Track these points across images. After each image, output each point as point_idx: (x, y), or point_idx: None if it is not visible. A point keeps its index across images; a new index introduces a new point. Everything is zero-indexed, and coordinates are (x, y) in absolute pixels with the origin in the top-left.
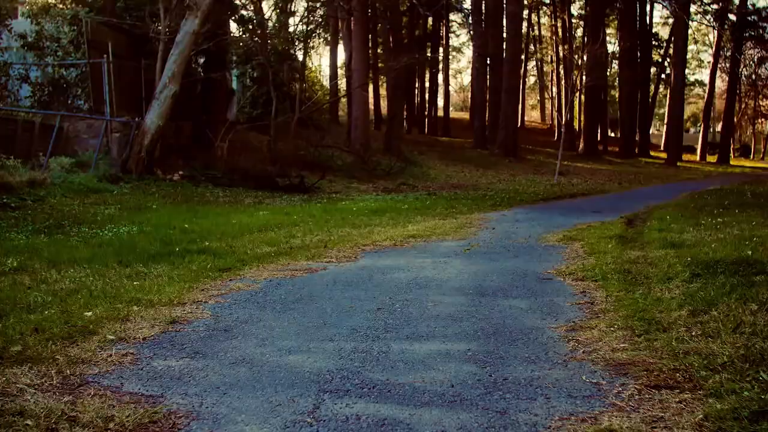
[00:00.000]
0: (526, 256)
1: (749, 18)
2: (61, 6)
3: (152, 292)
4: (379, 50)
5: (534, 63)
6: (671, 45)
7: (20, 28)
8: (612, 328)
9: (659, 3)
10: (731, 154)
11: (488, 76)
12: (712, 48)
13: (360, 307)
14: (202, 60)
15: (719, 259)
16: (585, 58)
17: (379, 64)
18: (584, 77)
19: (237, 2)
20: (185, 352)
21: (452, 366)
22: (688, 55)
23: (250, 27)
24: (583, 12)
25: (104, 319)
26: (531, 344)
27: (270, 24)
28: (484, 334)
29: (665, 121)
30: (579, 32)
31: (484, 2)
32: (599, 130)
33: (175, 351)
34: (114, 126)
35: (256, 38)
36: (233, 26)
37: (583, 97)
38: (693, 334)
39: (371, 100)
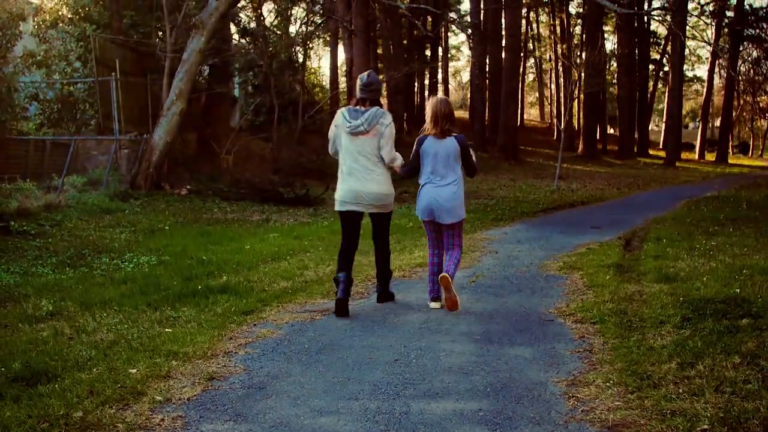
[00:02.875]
0: (528, 290)
1: (747, 19)
2: (68, 22)
3: (186, 343)
4: (379, 51)
5: (532, 61)
6: (669, 42)
7: (27, 45)
8: (608, 384)
9: (656, 19)
10: (729, 152)
11: (487, 79)
12: (710, 45)
13: (378, 358)
14: (206, 71)
15: (709, 298)
16: (583, 60)
17: (379, 65)
18: (582, 83)
19: (239, 10)
20: (228, 414)
21: (466, 428)
22: (686, 51)
23: (253, 37)
24: (581, 10)
25: (148, 377)
26: (535, 402)
27: (271, 31)
28: (493, 390)
29: (664, 117)
30: (577, 29)
31: (483, 4)
32: (598, 130)
33: (218, 413)
34: (123, 143)
35: (258, 45)
36: (234, 30)
37: (582, 95)
38: (680, 391)
39: None
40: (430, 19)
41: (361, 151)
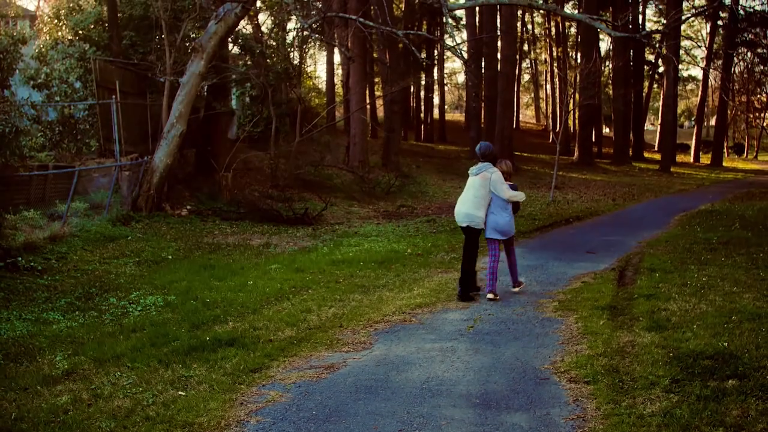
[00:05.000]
0: (525, 338)
1: (740, 25)
2: (68, 43)
3: (200, 411)
4: (375, 54)
5: (528, 63)
6: (664, 44)
7: (28, 70)
8: None
9: (650, 46)
10: (725, 153)
11: (483, 83)
12: (705, 44)
13: (383, 428)
14: (205, 88)
15: (699, 352)
16: (578, 63)
17: (375, 68)
18: (577, 93)
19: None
20: None
21: None
22: (681, 51)
23: (251, 54)
24: (576, 12)
25: None
26: None
27: (268, 42)
28: None
29: (659, 118)
30: (573, 30)
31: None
32: (594, 133)
33: None
34: (124, 165)
35: (255, 58)
36: (231, 45)
37: (577, 95)
38: None
39: (367, 103)
40: (425, 26)
41: (468, 187)
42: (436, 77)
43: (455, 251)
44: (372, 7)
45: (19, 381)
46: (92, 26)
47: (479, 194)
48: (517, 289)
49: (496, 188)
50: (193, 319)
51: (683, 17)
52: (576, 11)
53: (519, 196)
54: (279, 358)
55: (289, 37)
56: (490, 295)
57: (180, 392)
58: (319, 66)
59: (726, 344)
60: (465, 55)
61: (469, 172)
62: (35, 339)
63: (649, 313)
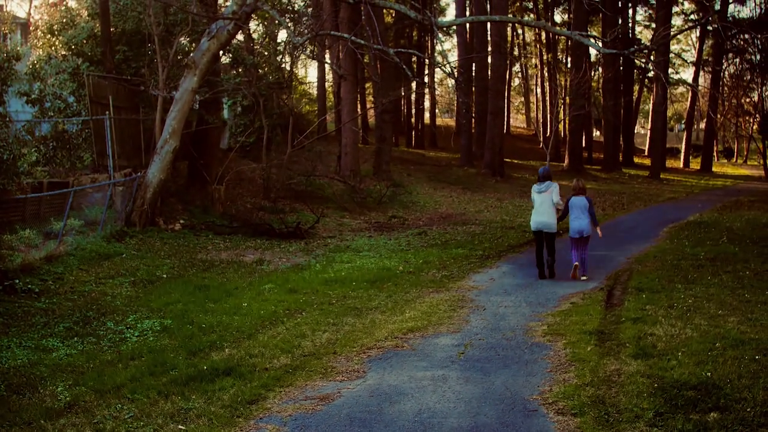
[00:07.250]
0: (515, 366)
1: (729, 32)
2: (61, 58)
3: None
4: (366, 59)
5: (518, 67)
6: (651, 58)
7: (21, 86)
8: None
9: (641, 62)
10: (714, 157)
11: (474, 89)
12: (695, 49)
13: None
14: (197, 101)
15: (683, 383)
16: (567, 68)
17: (366, 73)
18: (568, 102)
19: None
20: None
21: None
22: (671, 55)
23: (243, 65)
24: (566, 18)
25: None
26: None
27: (260, 50)
28: None
29: (649, 124)
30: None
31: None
32: (584, 138)
33: None
34: (118, 181)
35: (247, 69)
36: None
37: (567, 99)
38: None
39: (358, 113)
40: (415, 34)
41: (540, 202)
42: (426, 81)
43: (446, 268)
44: (364, 25)
45: (22, 415)
46: (85, 41)
47: (550, 205)
48: (584, 278)
49: (554, 197)
50: (190, 346)
51: (671, 33)
52: (566, 16)
53: (560, 204)
54: (275, 388)
55: (281, 47)
56: (583, 277)
57: (180, 426)
58: (311, 71)
59: (709, 374)
60: (455, 73)
61: (533, 190)
62: (36, 368)
63: (636, 338)
